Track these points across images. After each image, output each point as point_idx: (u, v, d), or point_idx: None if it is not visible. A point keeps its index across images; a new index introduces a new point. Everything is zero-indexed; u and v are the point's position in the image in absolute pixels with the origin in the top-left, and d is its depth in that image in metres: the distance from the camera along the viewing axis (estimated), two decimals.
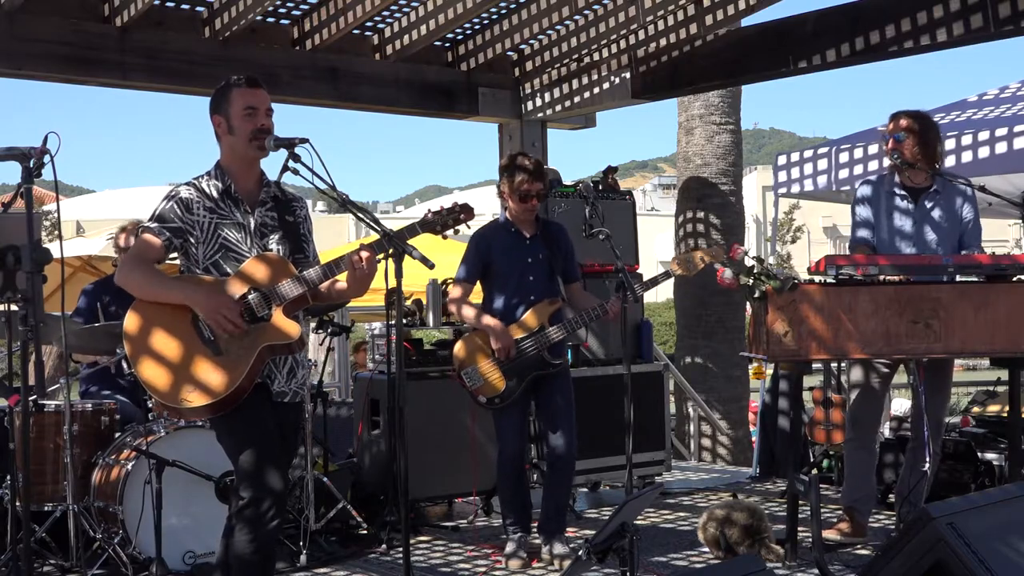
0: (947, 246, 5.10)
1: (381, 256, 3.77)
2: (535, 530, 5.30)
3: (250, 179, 3.82)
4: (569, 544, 5.25)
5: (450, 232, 3.94)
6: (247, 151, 3.75)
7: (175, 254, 3.76)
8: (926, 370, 5.00)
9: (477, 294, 5.39)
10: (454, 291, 5.30)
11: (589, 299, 5.32)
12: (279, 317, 3.65)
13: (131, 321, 3.63)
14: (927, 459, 4.98)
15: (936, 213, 5.13)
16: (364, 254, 3.69)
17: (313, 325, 6.25)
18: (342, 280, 3.83)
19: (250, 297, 3.63)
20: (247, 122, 3.72)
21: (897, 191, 5.18)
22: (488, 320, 5.14)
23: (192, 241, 3.69)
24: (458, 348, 5.22)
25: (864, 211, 5.22)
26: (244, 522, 3.58)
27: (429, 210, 3.91)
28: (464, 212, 3.88)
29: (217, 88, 3.84)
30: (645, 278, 5.66)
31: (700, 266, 5.20)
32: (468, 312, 5.22)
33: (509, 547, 5.21)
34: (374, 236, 3.80)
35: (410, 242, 3.81)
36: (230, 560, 3.64)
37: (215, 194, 3.74)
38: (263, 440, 3.62)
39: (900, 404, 7.32)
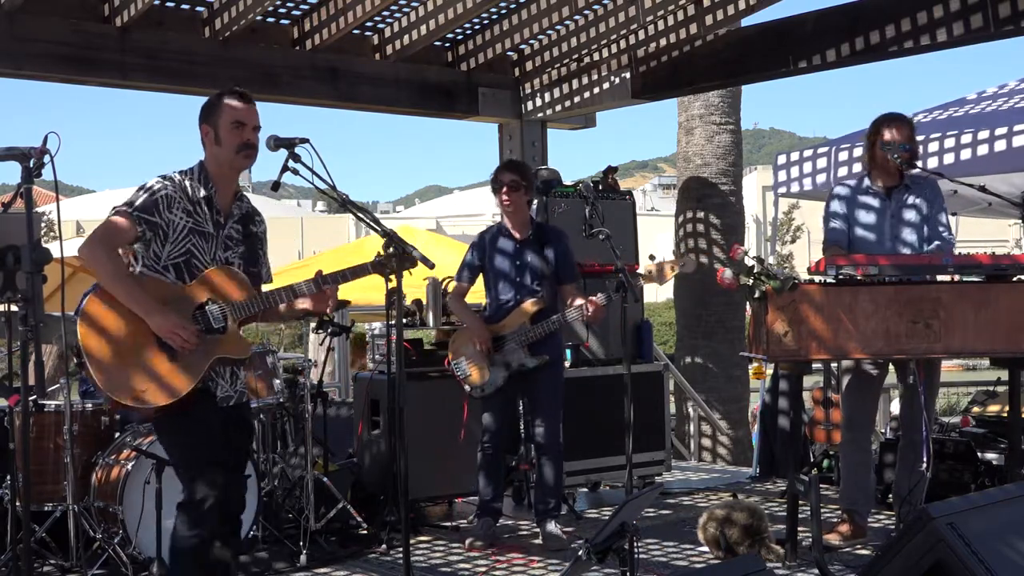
0: (924, 238, 5.17)
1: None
2: (532, 515, 5.77)
3: (229, 190, 3.90)
4: (561, 527, 5.56)
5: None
6: (232, 162, 3.82)
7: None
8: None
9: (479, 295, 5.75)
10: (451, 289, 5.76)
11: (578, 301, 5.52)
12: (234, 331, 3.78)
13: (94, 305, 3.63)
14: (925, 458, 4.99)
15: (910, 209, 5.19)
16: (328, 291, 3.87)
17: (313, 325, 6.25)
18: (302, 303, 3.95)
19: (209, 308, 3.73)
20: (233, 136, 3.79)
21: (872, 190, 5.22)
22: (468, 316, 5.63)
23: (160, 238, 3.72)
24: (451, 342, 5.71)
25: (840, 212, 5.25)
26: (186, 519, 3.71)
27: (379, 252, 4.00)
28: (408, 261, 3.97)
29: (208, 100, 3.89)
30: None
31: (668, 277, 5.42)
32: (457, 308, 5.75)
33: (471, 534, 5.55)
34: (375, 236, 3.83)
35: (407, 240, 3.88)
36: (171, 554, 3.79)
37: (197, 198, 3.79)
38: (209, 440, 3.72)
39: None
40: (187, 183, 3.79)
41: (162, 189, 3.72)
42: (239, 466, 3.95)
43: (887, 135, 5.13)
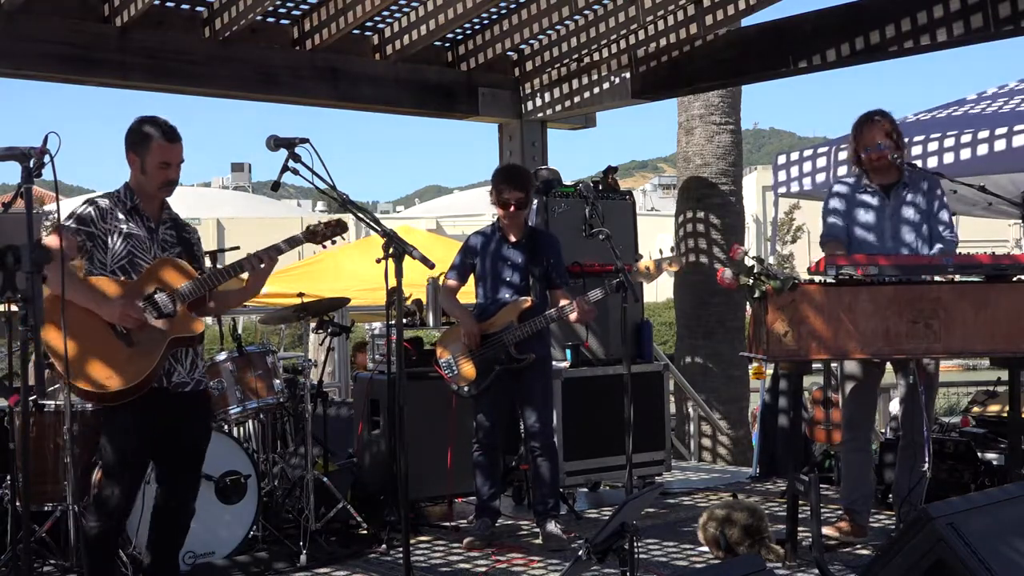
0: (924, 237, 5.17)
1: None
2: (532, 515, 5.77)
3: (155, 204, 4.30)
4: (560, 526, 5.56)
5: (330, 243, 4.53)
6: (156, 192, 4.23)
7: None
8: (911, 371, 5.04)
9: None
10: (444, 286, 5.79)
11: (563, 301, 5.56)
12: (183, 313, 4.14)
13: (50, 304, 3.84)
14: (927, 459, 4.99)
15: (909, 205, 5.19)
16: (265, 258, 4.27)
17: (313, 325, 6.25)
18: (241, 281, 4.35)
19: (157, 296, 4.09)
20: (160, 174, 4.19)
21: (870, 189, 5.23)
22: (460, 312, 5.64)
23: (100, 247, 4.11)
24: (438, 341, 5.74)
25: (840, 208, 5.26)
26: (94, 511, 4.16)
27: (309, 225, 4.42)
28: (339, 228, 4.43)
29: (137, 129, 4.20)
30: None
31: (656, 276, 5.51)
32: (450, 305, 5.79)
33: (469, 534, 5.58)
34: (375, 237, 3.84)
35: (407, 240, 3.92)
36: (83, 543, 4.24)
37: (126, 209, 4.20)
38: (137, 447, 4.12)
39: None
40: (117, 199, 4.20)
41: (96, 203, 4.17)
42: (191, 466, 4.32)
43: (864, 139, 5.15)
